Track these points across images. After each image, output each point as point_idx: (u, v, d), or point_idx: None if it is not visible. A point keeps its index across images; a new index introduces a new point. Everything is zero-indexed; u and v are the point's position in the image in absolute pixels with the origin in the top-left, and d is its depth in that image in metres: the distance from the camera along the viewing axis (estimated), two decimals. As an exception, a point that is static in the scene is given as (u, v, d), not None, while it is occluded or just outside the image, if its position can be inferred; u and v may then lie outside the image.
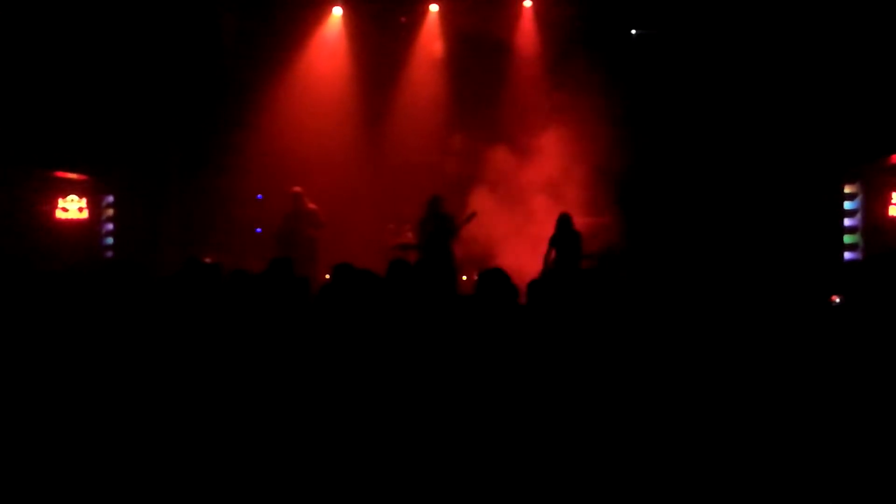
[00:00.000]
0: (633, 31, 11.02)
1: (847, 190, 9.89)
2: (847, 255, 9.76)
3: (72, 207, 10.56)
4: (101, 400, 2.49)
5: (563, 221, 9.36)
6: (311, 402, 2.58)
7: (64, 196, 10.52)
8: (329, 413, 2.49)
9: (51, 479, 2.27)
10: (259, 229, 11.64)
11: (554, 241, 9.32)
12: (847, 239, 9.82)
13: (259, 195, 11.81)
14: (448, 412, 1.71)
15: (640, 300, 3.67)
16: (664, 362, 2.64)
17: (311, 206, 10.43)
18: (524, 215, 10.25)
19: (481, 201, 10.23)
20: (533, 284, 5.91)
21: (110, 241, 10.97)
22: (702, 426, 2.50)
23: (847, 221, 9.85)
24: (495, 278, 3.88)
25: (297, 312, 3.18)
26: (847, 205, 9.88)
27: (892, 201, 9.49)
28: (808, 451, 2.39)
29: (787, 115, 9.87)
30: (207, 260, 7.10)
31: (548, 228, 9.38)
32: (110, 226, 11.02)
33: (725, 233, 9.76)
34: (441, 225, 9.73)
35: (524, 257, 9.16)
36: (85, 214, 10.67)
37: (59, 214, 10.47)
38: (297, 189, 10.44)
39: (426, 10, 11.51)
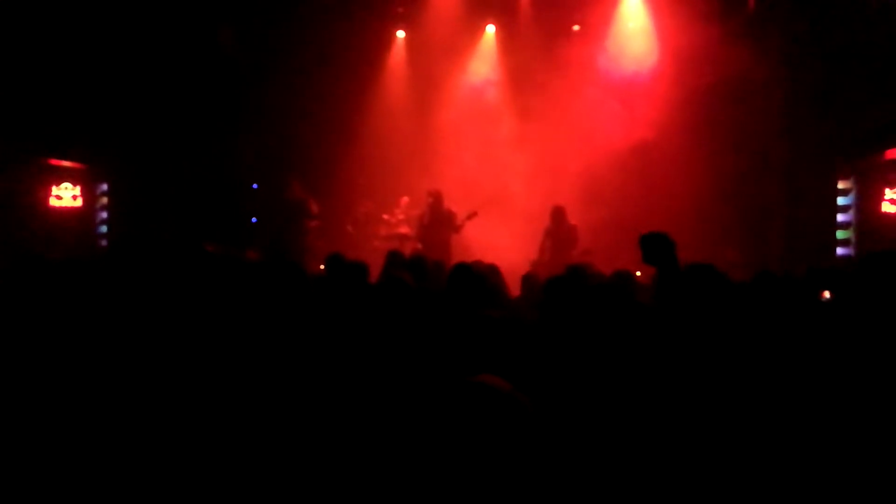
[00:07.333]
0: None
1: (840, 185, 9.91)
2: (840, 250, 9.80)
3: (66, 195, 10.52)
4: (107, 393, 2.48)
5: (558, 214, 9.40)
6: (303, 401, 2.59)
7: (58, 184, 10.47)
8: (321, 412, 2.51)
9: (48, 475, 2.27)
10: (254, 219, 11.63)
11: (549, 234, 9.37)
12: (840, 234, 9.85)
13: (254, 184, 11.79)
14: (442, 410, 1.72)
15: (634, 299, 3.69)
16: (655, 360, 2.67)
17: (302, 195, 10.45)
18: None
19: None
20: (528, 277, 5.94)
21: (104, 229, 10.94)
22: (692, 424, 2.53)
23: (840, 217, 9.88)
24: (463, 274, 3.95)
25: (294, 306, 3.17)
26: (840, 200, 9.90)
27: (885, 197, 9.52)
28: (799, 451, 2.41)
29: (782, 110, 9.88)
30: (209, 249, 7.03)
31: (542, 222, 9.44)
32: (104, 214, 10.99)
33: (718, 228, 9.80)
34: (440, 219, 9.74)
35: (515, 251, 9.14)
36: (79, 202, 10.63)
37: (53, 202, 10.43)
38: (294, 180, 10.46)
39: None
